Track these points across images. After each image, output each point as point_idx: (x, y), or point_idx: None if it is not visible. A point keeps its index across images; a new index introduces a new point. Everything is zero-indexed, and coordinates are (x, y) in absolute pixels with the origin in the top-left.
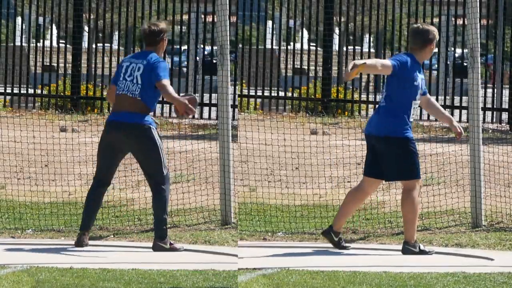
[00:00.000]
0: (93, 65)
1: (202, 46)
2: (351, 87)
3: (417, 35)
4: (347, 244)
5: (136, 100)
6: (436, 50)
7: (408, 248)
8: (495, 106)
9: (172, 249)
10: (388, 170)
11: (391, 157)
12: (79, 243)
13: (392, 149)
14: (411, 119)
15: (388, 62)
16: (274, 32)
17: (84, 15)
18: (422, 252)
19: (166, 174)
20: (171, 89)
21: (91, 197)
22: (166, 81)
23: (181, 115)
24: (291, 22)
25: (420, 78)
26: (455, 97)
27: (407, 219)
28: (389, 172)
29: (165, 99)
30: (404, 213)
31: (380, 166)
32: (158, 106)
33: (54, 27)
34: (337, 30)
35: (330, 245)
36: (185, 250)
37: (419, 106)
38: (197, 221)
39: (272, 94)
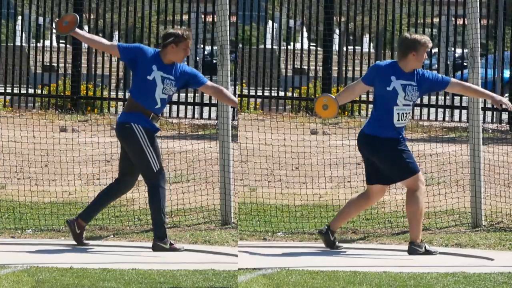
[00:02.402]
0: (93, 65)
1: (202, 46)
2: None
3: (400, 44)
4: (340, 244)
5: (130, 98)
6: (436, 50)
7: (414, 248)
8: (495, 106)
9: (172, 249)
10: (386, 173)
11: (383, 160)
12: (70, 224)
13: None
14: (398, 125)
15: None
16: (274, 32)
17: (84, 15)
18: (427, 252)
19: (157, 171)
20: None
21: (104, 189)
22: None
23: None
24: (291, 22)
25: (399, 84)
26: (455, 97)
27: (410, 219)
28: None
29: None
30: (408, 213)
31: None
32: None
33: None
34: (337, 30)
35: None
36: (185, 250)
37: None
38: (197, 221)
39: (272, 94)
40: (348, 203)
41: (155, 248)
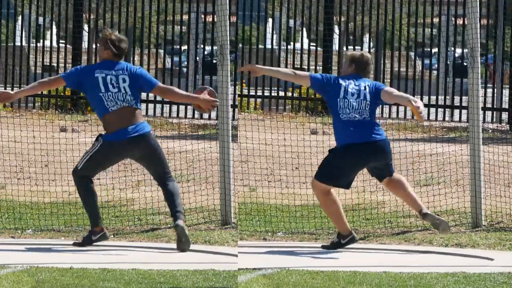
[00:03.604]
0: None
1: (202, 46)
2: None
3: (366, 64)
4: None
5: (137, 110)
6: (436, 50)
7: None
8: (495, 106)
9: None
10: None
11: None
12: (105, 236)
13: None
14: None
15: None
16: (274, 32)
17: (84, 15)
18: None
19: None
20: (179, 90)
21: (91, 193)
22: (163, 85)
23: (208, 111)
24: (291, 22)
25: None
26: (455, 97)
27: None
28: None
29: (167, 100)
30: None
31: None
32: (158, 106)
33: (54, 27)
34: (337, 30)
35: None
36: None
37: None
38: (197, 221)
39: (272, 94)
40: (332, 205)
41: (180, 228)
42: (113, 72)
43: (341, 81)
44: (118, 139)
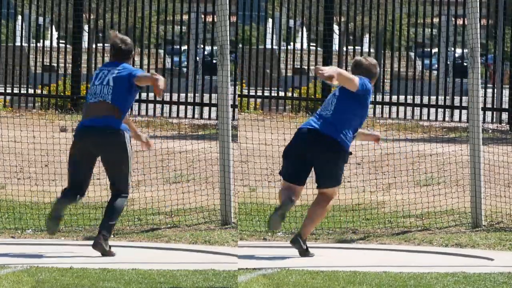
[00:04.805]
0: (93, 65)
1: (202, 46)
2: None
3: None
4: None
5: (108, 104)
6: (436, 50)
7: (298, 240)
8: (495, 106)
9: (109, 253)
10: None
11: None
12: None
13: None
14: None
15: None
16: (274, 32)
17: (84, 15)
18: (306, 251)
19: (130, 183)
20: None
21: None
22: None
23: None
24: (291, 22)
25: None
26: (455, 97)
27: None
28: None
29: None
30: (311, 211)
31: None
32: (158, 106)
33: (54, 27)
34: (337, 30)
35: (330, 245)
36: (185, 250)
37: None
38: (197, 221)
39: (272, 94)
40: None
41: (97, 244)
42: (110, 68)
43: None
44: (81, 125)
